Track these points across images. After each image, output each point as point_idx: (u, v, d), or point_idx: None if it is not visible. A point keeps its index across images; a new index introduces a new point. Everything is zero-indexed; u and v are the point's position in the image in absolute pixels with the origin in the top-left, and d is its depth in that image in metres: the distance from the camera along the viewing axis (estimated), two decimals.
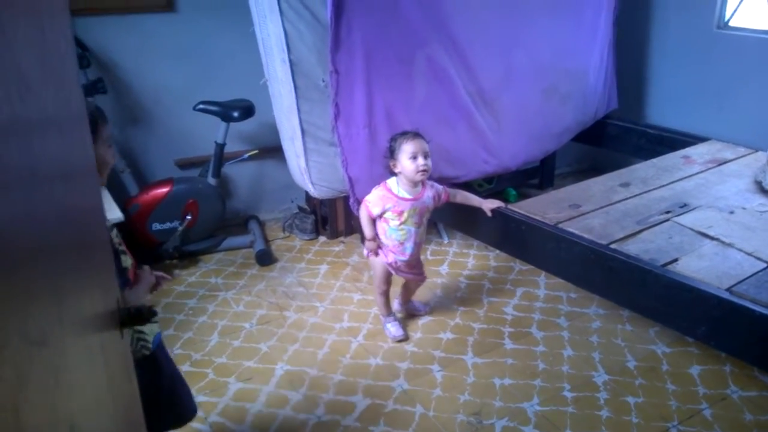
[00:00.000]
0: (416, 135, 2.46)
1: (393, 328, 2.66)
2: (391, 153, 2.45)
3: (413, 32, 2.88)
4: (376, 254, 2.58)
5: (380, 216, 2.49)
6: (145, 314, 1.20)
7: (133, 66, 3.21)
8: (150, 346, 1.67)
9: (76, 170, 0.96)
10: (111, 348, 1.04)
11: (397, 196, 2.46)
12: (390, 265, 2.58)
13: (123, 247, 1.65)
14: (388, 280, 2.64)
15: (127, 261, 1.66)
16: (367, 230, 2.54)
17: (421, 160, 2.39)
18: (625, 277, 2.13)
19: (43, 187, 0.74)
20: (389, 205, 2.46)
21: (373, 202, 2.48)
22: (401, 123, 2.94)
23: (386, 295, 2.69)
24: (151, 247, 3.24)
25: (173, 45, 3.27)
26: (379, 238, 2.55)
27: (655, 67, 3.92)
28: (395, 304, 2.81)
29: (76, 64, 1.08)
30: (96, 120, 1.52)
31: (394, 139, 2.47)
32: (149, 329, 1.69)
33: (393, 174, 2.49)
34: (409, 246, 2.52)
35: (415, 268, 2.65)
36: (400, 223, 2.47)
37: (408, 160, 2.39)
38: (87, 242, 0.99)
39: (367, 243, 2.58)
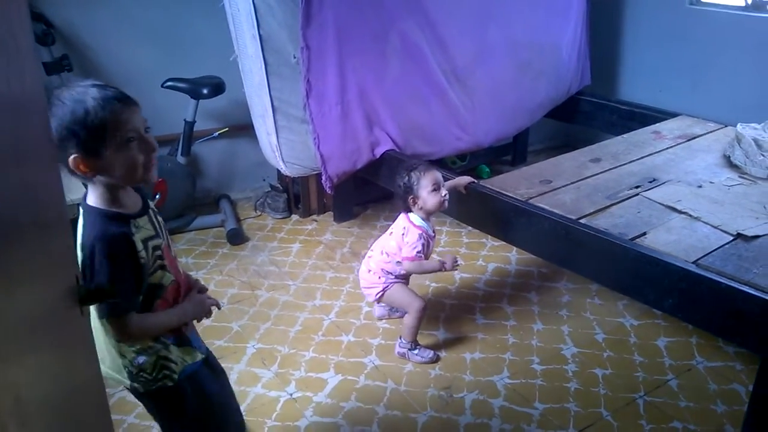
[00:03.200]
0: (429, 165, 2.37)
1: (423, 352, 2.41)
2: (409, 189, 2.32)
3: (386, 8, 2.85)
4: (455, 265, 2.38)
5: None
6: (107, 291, 1.18)
7: (100, 43, 3.14)
8: (175, 377, 1.49)
9: (30, 148, 0.93)
10: (68, 324, 1.02)
11: (428, 233, 2.36)
12: (403, 281, 2.47)
13: (164, 261, 1.45)
14: (416, 294, 2.45)
15: (167, 278, 1.47)
16: (430, 266, 2.37)
17: (444, 192, 2.31)
18: (594, 252, 2.14)
19: None
20: (427, 250, 2.37)
21: (418, 246, 2.32)
22: (374, 100, 2.92)
23: (423, 316, 2.43)
24: None
25: (141, 21, 3.20)
26: (389, 274, 2.40)
27: (628, 44, 3.93)
28: (378, 310, 2.66)
29: (30, 33, 1.05)
30: (104, 121, 1.29)
31: (407, 175, 2.33)
32: (180, 358, 1.51)
33: (408, 210, 2.37)
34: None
35: None
36: (428, 255, 2.40)
37: (430, 193, 2.29)
38: (43, 220, 0.97)
39: (452, 267, 2.35)
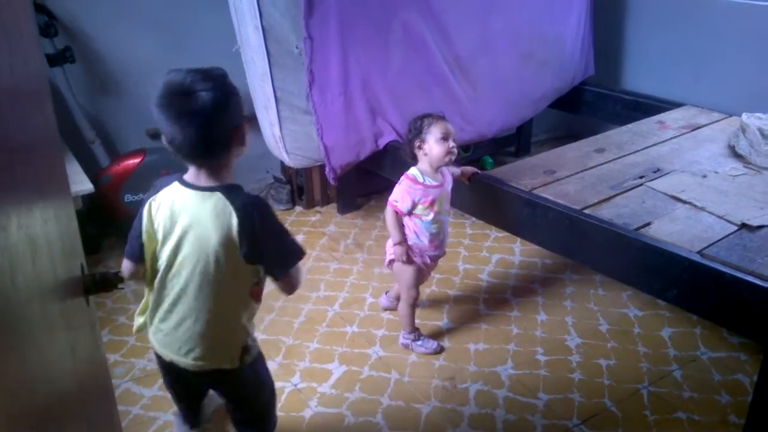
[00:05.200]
0: (442, 116, 2.30)
1: (426, 343, 2.41)
2: (417, 133, 2.25)
3: None
4: (407, 259, 2.31)
5: (410, 213, 2.27)
6: (112, 280, 1.18)
7: (103, 34, 3.13)
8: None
9: (34, 138, 0.93)
10: (74, 315, 1.02)
11: (423, 184, 2.25)
12: (420, 266, 2.36)
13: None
14: (418, 284, 2.40)
15: (257, 274, 1.53)
16: (396, 233, 2.27)
17: (450, 143, 2.22)
18: (598, 242, 2.14)
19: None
20: (418, 197, 2.24)
21: (400, 199, 2.25)
22: (377, 90, 2.91)
23: (415, 306, 2.44)
24: (123, 218, 3.19)
25: (144, 12, 3.18)
26: (407, 242, 2.31)
27: (632, 33, 3.91)
28: (384, 300, 2.65)
29: (33, 23, 1.05)
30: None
31: (419, 120, 2.28)
32: None
33: (412, 161, 2.32)
34: (444, 238, 2.36)
35: (439, 258, 2.46)
36: (434, 215, 2.26)
37: (438, 141, 2.22)
38: (47, 213, 0.97)
39: (396, 249, 2.29)
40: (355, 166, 3.03)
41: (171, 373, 1.63)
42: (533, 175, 2.53)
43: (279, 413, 2.12)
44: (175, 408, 1.84)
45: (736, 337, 2.45)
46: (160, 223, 1.49)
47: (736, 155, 2.69)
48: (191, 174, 1.50)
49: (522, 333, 2.51)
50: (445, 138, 2.23)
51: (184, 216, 1.46)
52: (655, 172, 2.53)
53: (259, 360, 1.67)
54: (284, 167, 3.55)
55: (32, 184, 0.88)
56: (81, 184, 2.59)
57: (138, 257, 1.53)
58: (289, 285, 1.55)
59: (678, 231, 2.07)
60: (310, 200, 3.55)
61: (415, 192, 2.24)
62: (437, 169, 2.28)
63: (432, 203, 2.26)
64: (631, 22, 3.89)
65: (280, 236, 1.51)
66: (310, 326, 2.57)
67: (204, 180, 1.49)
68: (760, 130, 2.61)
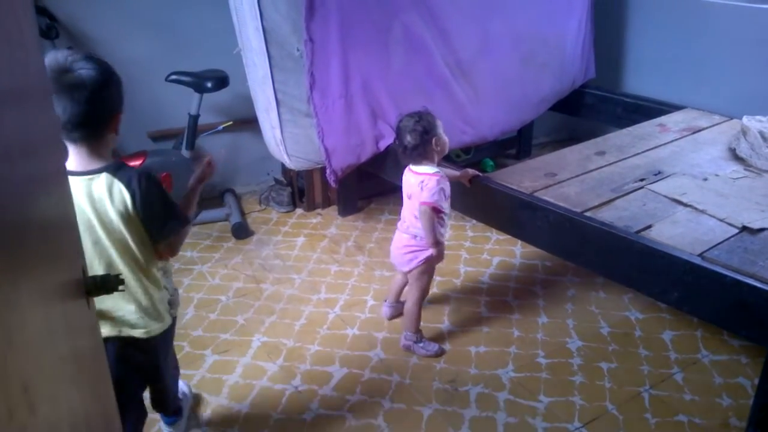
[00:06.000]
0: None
1: (428, 346, 2.41)
2: (433, 128, 2.22)
3: (390, 0, 2.84)
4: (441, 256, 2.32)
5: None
6: (112, 283, 1.18)
7: (104, 37, 3.14)
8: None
9: (35, 140, 0.93)
10: (75, 317, 1.02)
11: (446, 179, 2.25)
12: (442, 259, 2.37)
13: None
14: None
15: None
16: (431, 235, 2.24)
17: None
18: (599, 245, 2.14)
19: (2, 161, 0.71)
20: (448, 191, 2.24)
21: (437, 195, 2.20)
22: (378, 93, 2.91)
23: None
24: None
25: (145, 14, 3.19)
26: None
27: (633, 36, 3.91)
28: (386, 309, 2.63)
29: (34, 25, 1.05)
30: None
31: (426, 116, 2.24)
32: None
33: (423, 159, 2.25)
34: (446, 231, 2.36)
35: None
36: (449, 207, 2.28)
37: (444, 132, 2.24)
38: (50, 214, 0.97)
39: (438, 248, 2.28)
40: (355, 169, 3.03)
41: (120, 353, 1.68)
42: (534, 177, 2.53)
43: (280, 416, 2.13)
44: None
45: (737, 340, 2.45)
46: None
47: (737, 158, 2.68)
48: (72, 161, 1.55)
49: (523, 336, 2.51)
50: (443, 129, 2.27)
51: (80, 203, 1.52)
52: (655, 174, 2.53)
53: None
54: (285, 169, 3.55)
55: (33, 184, 0.88)
56: None
57: None
58: (170, 247, 1.68)
59: (679, 234, 2.07)
60: (311, 203, 3.55)
61: (446, 187, 2.25)
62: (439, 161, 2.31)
63: (449, 197, 2.28)
64: (632, 25, 3.89)
65: (164, 204, 1.63)
66: (311, 329, 2.57)
67: (85, 163, 1.55)
68: (761, 133, 2.61)
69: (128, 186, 1.55)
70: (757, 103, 3.08)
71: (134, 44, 3.19)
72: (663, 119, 3.23)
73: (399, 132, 2.28)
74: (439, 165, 2.30)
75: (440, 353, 2.41)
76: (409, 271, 2.38)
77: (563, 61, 3.62)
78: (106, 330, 1.62)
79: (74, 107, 1.48)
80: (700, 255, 1.93)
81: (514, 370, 2.33)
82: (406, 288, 2.49)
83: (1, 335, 0.63)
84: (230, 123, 3.48)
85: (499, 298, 2.75)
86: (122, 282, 1.19)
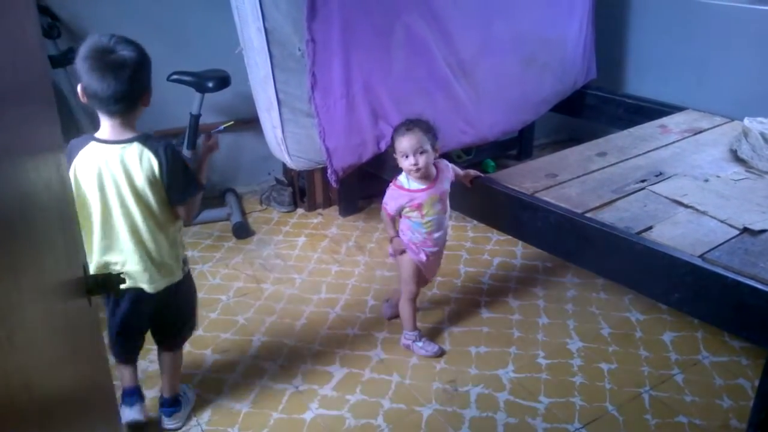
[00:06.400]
0: (410, 128, 2.20)
1: (427, 346, 2.42)
2: (392, 143, 2.27)
3: (391, 0, 2.84)
4: (403, 252, 2.36)
5: (400, 215, 2.31)
6: (114, 281, 1.18)
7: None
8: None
9: (37, 139, 0.93)
10: (76, 315, 1.02)
11: (409, 190, 2.25)
12: (420, 262, 2.36)
13: None
14: (417, 280, 2.40)
15: None
16: (389, 230, 2.36)
17: (411, 160, 2.17)
18: (600, 245, 2.14)
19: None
20: (404, 202, 2.25)
21: (388, 204, 2.30)
22: (379, 93, 2.91)
23: (415, 301, 2.45)
24: None
25: (146, 14, 3.19)
26: (405, 237, 2.34)
27: (634, 37, 3.91)
28: (386, 309, 2.63)
29: (37, 23, 1.05)
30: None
31: (396, 129, 2.26)
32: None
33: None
34: (438, 235, 2.33)
35: (440, 258, 2.46)
36: (423, 216, 2.26)
37: (401, 157, 2.20)
38: (50, 211, 0.97)
39: (393, 243, 2.37)
40: (357, 169, 3.03)
41: (127, 306, 1.92)
42: (535, 178, 2.53)
43: (280, 415, 2.13)
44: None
45: (738, 341, 2.45)
46: (90, 182, 1.77)
47: (738, 159, 2.68)
48: (105, 131, 1.78)
49: (523, 336, 2.51)
50: (405, 155, 2.19)
51: (112, 168, 1.76)
52: (657, 176, 2.53)
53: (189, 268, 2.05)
54: (286, 169, 3.56)
55: (36, 187, 0.88)
56: None
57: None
58: (187, 210, 1.90)
59: (680, 235, 2.07)
60: (312, 202, 3.56)
61: (401, 197, 2.26)
62: (427, 174, 2.25)
63: (419, 206, 2.25)
64: (634, 25, 3.89)
65: (185, 173, 1.85)
66: (311, 328, 2.57)
67: (119, 133, 1.77)
68: (762, 135, 2.61)
69: (156, 154, 1.78)
70: (759, 104, 3.08)
71: None
72: (664, 120, 3.23)
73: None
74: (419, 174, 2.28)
75: (440, 354, 2.41)
76: (392, 258, 2.45)
77: (564, 62, 3.62)
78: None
79: (117, 84, 1.69)
80: (701, 256, 1.93)
81: (514, 370, 2.33)
82: None
83: (3, 333, 0.63)
84: (231, 123, 3.45)
85: (499, 299, 2.75)
86: (123, 281, 1.20)
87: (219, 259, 3.08)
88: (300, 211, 3.56)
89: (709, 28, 3.49)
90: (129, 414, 2.05)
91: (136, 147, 1.77)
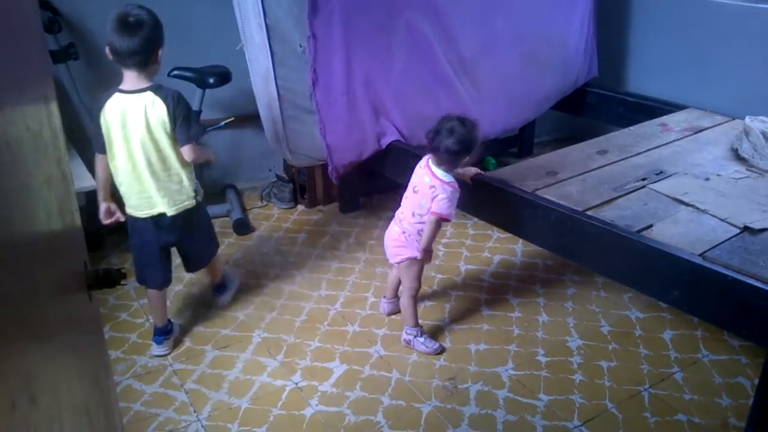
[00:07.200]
0: None
1: (429, 342, 2.41)
2: (472, 146, 2.20)
3: None
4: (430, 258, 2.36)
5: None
6: (115, 277, 1.18)
7: (107, 31, 3.13)
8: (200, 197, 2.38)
9: (38, 137, 0.93)
10: (76, 310, 1.02)
11: (458, 189, 2.27)
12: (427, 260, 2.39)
13: None
14: (421, 277, 2.42)
15: None
16: (432, 242, 2.29)
17: None
18: (600, 244, 2.14)
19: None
20: (457, 201, 2.27)
21: (450, 209, 2.24)
22: (380, 90, 2.91)
23: (417, 298, 2.45)
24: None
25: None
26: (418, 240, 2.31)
27: (636, 35, 3.90)
28: (385, 305, 2.63)
29: (38, 17, 1.05)
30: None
31: (475, 130, 2.22)
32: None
33: (445, 164, 2.23)
34: None
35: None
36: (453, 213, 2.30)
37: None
38: (51, 207, 0.97)
39: (427, 254, 2.31)
40: (357, 166, 3.04)
41: (150, 228, 2.31)
42: (536, 176, 2.53)
43: (280, 412, 2.13)
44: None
45: (737, 340, 2.45)
46: (115, 123, 2.16)
47: (739, 158, 2.68)
48: (126, 83, 2.18)
49: (523, 334, 2.52)
50: None
51: (131, 112, 2.16)
52: (657, 174, 2.53)
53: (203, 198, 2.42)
54: (287, 166, 3.56)
55: (37, 181, 0.88)
56: (84, 180, 2.60)
57: (104, 150, 2.22)
58: (190, 151, 2.23)
59: (680, 233, 2.07)
60: (313, 199, 3.56)
61: (457, 197, 2.27)
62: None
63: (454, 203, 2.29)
64: (635, 24, 3.89)
65: (188, 118, 2.22)
66: (311, 325, 2.57)
67: (136, 84, 2.17)
68: (764, 134, 2.61)
69: (165, 100, 2.17)
70: (760, 103, 3.08)
71: None
72: (665, 119, 3.23)
73: (443, 129, 2.20)
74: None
75: (440, 351, 2.41)
76: (397, 263, 2.41)
77: (566, 60, 3.61)
78: (144, 212, 2.27)
79: (135, 41, 2.10)
80: (701, 255, 1.93)
81: (514, 368, 2.33)
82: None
83: (2, 328, 0.63)
84: (232, 119, 3.47)
85: (499, 296, 2.76)
86: (124, 276, 1.19)
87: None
88: (300, 207, 3.56)
89: (711, 27, 3.49)
90: (157, 350, 2.42)
91: (149, 94, 2.17)
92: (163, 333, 2.42)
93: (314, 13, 2.62)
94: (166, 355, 2.40)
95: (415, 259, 2.34)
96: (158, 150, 2.20)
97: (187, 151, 2.23)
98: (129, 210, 2.29)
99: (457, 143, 2.16)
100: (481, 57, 3.20)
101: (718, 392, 2.21)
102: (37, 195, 0.88)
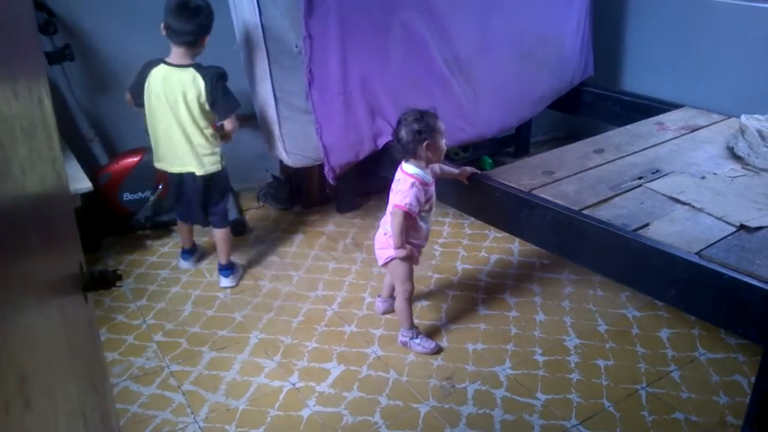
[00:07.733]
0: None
1: (425, 343, 2.41)
2: (430, 130, 2.21)
3: None
4: (410, 256, 2.33)
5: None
6: (110, 278, 1.18)
7: (103, 32, 3.13)
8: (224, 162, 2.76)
9: (33, 138, 0.93)
10: (72, 311, 1.02)
11: (427, 183, 2.27)
12: (414, 259, 2.37)
13: None
14: (412, 277, 2.40)
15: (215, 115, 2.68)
16: (402, 239, 2.26)
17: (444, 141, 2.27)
18: (597, 242, 2.14)
19: None
20: (424, 197, 2.25)
21: (412, 204, 2.22)
22: (376, 90, 2.91)
23: (411, 300, 2.45)
24: (122, 217, 3.20)
25: (143, 9, 3.17)
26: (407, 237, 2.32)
27: (632, 34, 3.91)
28: (379, 305, 2.63)
29: (32, 18, 1.04)
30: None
31: (423, 116, 2.22)
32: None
33: (407, 158, 2.26)
34: (428, 228, 2.38)
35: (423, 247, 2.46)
36: (430, 210, 2.32)
37: (441, 140, 2.23)
38: (47, 209, 0.96)
39: (400, 251, 2.28)
40: (354, 166, 3.03)
41: (183, 183, 2.73)
42: (532, 175, 2.53)
43: (277, 412, 2.13)
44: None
45: (734, 338, 2.46)
46: (157, 90, 2.54)
47: (735, 157, 2.69)
48: (173, 57, 2.54)
49: (520, 333, 2.52)
50: (443, 137, 2.28)
51: (172, 83, 2.52)
52: (653, 173, 2.53)
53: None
54: (283, 166, 3.55)
55: (32, 182, 0.88)
56: (80, 182, 2.59)
57: (137, 100, 2.63)
58: (230, 122, 2.64)
59: (676, 232, 2.07)
60: (309, 200, 3.55)
61: (422, 192, 2.26)
62: (428, 165, 2.30)
63: (429, 200, 2.29)
64: (631, 23, 3.89)
65: (226, 95, 2.61)
66: (308, 326, 2.57)
67: (181, 59, 2.54)
68: (759, 132, 2.62)
69: (204, 78, 2.52)
70: (756, 101, 3.09)
71: (133, 40, 3.17)
72: (661, 117, 3.23)
73: (397, 123, 2.28)
74: (429, 165, 2.30)
75: (437, 351, 2.41)
76: (383, 266, 2.41)
77: (562, 59, 3.62)
78: (177, 168, 2.67)
79: (191, 24, 2.48)
80: (698, 253, 1.93)
81: (511, 367, 2.33)
82: None
83: None
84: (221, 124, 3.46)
85: (496, 296, 2.76)
86: (120, 277, 1.19)
87: (216, 256, 3.07)
88: (297, 208, 3.56)
89: (707, 26, 3.49)
90: (184, 264, 2.96)
91: (191, 71, 2.52)
92: (227, 268, 2.82)
93: (310, 13, 2.61)
94: (233, 287, 2.81)
95: (394, 259, 2.33)
96: (192, 120, 2.55)
97: (228, 123, 2.62)
98: (164, 166, 2.69)
99: (409, 134, 2.23)
100: (478, 56, 3.20)
101: (715, 390, 2.22)
102: (32, 196, 0.88)
